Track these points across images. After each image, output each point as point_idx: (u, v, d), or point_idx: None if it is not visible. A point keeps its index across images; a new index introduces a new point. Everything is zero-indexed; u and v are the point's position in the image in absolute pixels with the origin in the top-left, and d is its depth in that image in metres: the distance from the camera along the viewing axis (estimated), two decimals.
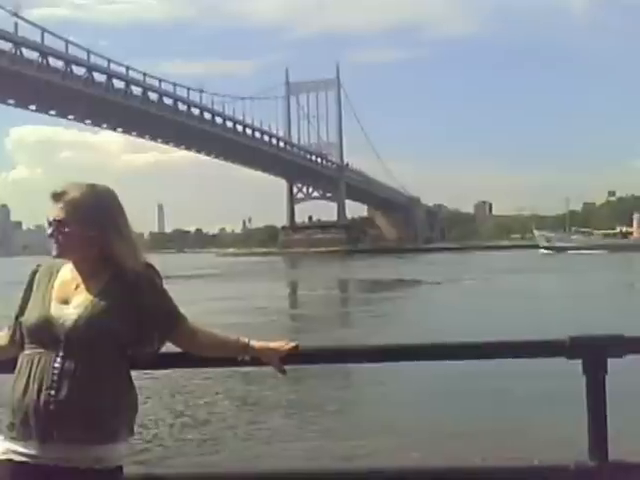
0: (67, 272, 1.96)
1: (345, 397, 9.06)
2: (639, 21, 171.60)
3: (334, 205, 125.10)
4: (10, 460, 1.82)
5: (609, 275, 35.30)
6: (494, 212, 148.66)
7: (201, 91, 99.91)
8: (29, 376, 1.82)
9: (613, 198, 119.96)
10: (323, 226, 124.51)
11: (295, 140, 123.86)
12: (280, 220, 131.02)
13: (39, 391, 1.80)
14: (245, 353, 2.03)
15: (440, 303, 22.04)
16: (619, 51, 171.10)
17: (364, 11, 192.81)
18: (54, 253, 1.93)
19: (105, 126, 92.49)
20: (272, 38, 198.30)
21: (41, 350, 1.84)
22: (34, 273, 2.00)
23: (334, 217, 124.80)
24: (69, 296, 1.90)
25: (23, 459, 1.81)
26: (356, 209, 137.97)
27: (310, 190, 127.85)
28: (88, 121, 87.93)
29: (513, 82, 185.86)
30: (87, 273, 1.93)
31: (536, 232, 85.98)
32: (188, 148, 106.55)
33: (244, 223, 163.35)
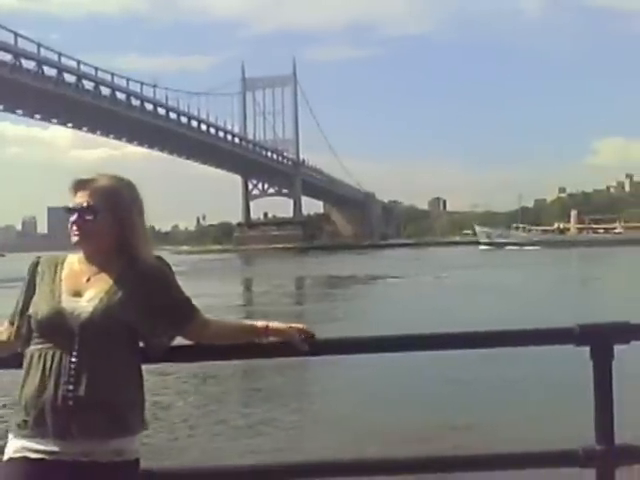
0: (74, 264, 1.90)
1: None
2: (592, 23, 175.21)
3: (290, 202, 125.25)
4: (25, 458, 1.75)
5: (549, 270, 36.50)
6: (449, 208, 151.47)
7: (155, 86, 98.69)
8: (43, 372, 1.75)
9: (563, 194, 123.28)
10: (279, 223, 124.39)
11: (251, 136, 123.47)
12: (235, 217, 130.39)
13: (56, 387, 1.73)
14: (266, 335, 2.00)
15: (395, 299, 22.21)
16: (571, 52, 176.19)
17: (321, 9, 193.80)
18: (75, 240, 1.86)
19: (55, 121, 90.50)
20: (229, 34, 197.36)
21: (53, 344, 1.77)
22: (35, 265, 1.92)
23: (290, 214, 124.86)
24: (81, 289, 1.84)
25: (40, 456, 1.74)
26: (312, 205, 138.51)
27: (266, 186, 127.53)
28: (37, 116, 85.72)
29: (468, 82, 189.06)
30: (100, 265, 1.87)
31: (477, 228, 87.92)
32: (141, 144, 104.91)
33: (198, 220, 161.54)
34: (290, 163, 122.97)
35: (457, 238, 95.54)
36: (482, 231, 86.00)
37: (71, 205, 1.87)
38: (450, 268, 38.03)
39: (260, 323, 2.01)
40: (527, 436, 5.61)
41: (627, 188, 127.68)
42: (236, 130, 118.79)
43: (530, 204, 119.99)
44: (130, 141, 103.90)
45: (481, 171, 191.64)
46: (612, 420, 2.21)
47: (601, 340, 2.23)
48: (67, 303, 1.81)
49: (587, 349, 2.22)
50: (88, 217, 1.84)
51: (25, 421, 1.76)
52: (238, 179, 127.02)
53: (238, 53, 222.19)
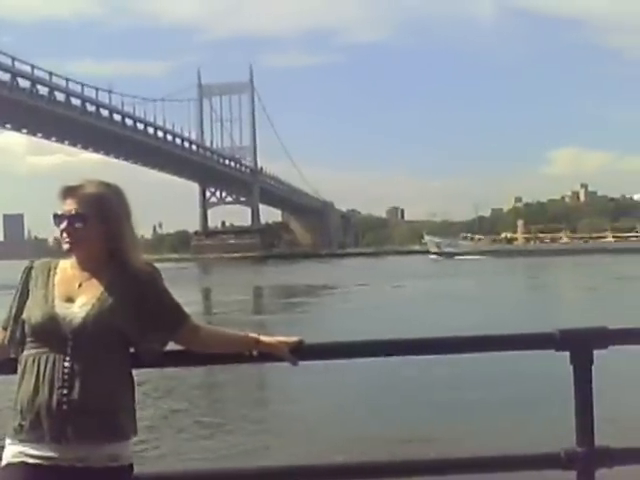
0: (67, 269, 1.92)
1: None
2: (545, 31, 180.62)
3: (248, 210, 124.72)
4: (23, 463, 1.77)
5: (501, 278, 37.34)
6: (407, 217, 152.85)
7: (110, 92, 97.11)
8: (37, 376, 1.79)
9: (519, 204, 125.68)
10: (237, 231, 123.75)
11: (208, 143, 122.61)
12: (192, 225, 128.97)
13: (50, 391, 1.77)
14: (256, 348, 2.04)
15: (355, 308, 22.22)
16: (525, 60, 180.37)
17: (278, 15, 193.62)
18: (66, 247, 1.89)
19: (9, 127, 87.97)
20: (185, 39, 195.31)
21: (47, 349, 1.81)
22: (29, 270, 1.94)
23: (248, 222, 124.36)
24: (73, 294, 1.87)
25: (37, 461, 1.77)
26: (270, 214, 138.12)
27: (223, 194, 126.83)
28: None
29: (425, 89, 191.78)
30: (91, 270, 1.90)
31: (427, 238, 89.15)
32: (96, 150, 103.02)
33: (154, 228, 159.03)
34: (248, 171, 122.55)
35: (416, 247, 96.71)
36: (431, 241, 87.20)
37: (60, 212, 1.89)
38: (408, 277, 38.51)
39: (251, 336, 2.04)
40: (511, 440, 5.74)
41: (582, 198, 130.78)
42: (193, 137, 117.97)
43: (487, 213, 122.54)
44: (86, 147, 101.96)
45: (438, 180, 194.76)
46: (592, 423, 2.26)
47: (581, 345, 2.28)
48: (60, 309, 1.84)
49: (567, 354, 2.26)
50: (78, 224, 1.87)
51: (21, 425, 1.79)
52: (195, 187, 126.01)
53: (195, 59, 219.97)
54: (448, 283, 33.29)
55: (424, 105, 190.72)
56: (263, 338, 2.04)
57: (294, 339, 2.06)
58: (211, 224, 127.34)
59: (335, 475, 2.41)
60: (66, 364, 1.78)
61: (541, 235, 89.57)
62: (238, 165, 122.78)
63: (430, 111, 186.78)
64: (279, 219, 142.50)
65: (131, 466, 1.85)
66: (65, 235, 1.87)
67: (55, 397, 1.75)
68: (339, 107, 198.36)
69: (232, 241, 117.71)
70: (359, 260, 78.53)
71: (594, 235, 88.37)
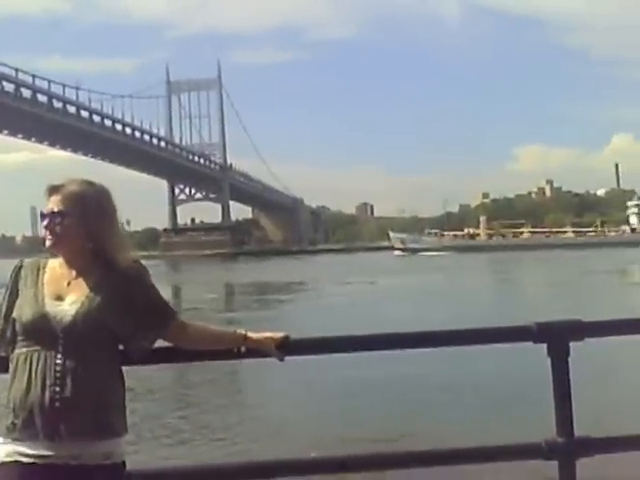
0: (56, 268, 1.95)
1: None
2: (509, 30, 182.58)
3: (218, 207, 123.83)
4: (17, 462, 1.77)
5: (469, 273, 38.12)
6: (376, 214, 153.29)
7: (78, 88, 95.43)
8: (29, 374, 1.80)
9: (487, 200, 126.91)
10: (207, 228, 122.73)
11: (177, 140, 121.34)
12: (161, 223, 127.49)
13: (43, 389, 1.78)
14: (243, 344, 2.07)
15: (328, 305, 22.22)
16: (492, 58, 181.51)
17: (247, 11, 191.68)
18: (48, 244, 1.92)
19: None
20: (154, 36, 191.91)
21: (38, 347, 1.83)
22: (18, 269, 1.96)
23: (218, 219, 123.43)
24: (62, 293, 1.89)
25: (31, 460, 1.77)
26: (240, 211, 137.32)
27: (193, 191, 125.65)
28: None
29: (392, 86, 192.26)
30: (79, 269, 1.92)
31: (391, 234, 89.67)
32: (64, 147, 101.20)
33: (122, 225, 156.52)
34: (217, 167, 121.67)
35: (385, 243, 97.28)
36: (396, 237, 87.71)
37: (44, 210, 1.92)
38: (378, 273, 38.68)
39: (239, 332, 2.07)
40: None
41: (547, 193, 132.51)
42: (162, 133, 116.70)
43: (455, 209, 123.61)
44: (52, 145, 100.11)
45: (407, 176, 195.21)
46: (571, 413, 2.33)
47: (557, 337, 2.34)
48: (50, 307, 1.86)
49: (544, 346, 2.32)
50: (58, 222, 1.90)
51: (14, 424, 1.79)
52: (164, 184, 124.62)
53: (163, 55, 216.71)
54: (418, 279, 33.50)
55: (393, 102, 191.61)
56: (250, 334, 2.07)
57: (280, 335, 2.10)
58: (180, 221, 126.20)
59: (320, 468, 2.45)
60: (58, 361, 1.80)
61: (503, 231, 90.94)
62: (207, 162, 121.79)
63: (398, 108, 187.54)
64: (249, 216, 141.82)
65: (124, 463, 1.87)
66: (47, 232, 1.91)
67: (48, 394, 1.77)
68: (308, 103, 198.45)
69: (202, 238, 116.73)
70: (329, 257, 78.60)
71: (555, 230, 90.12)
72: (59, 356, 1.80)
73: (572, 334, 2.35)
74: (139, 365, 2.00)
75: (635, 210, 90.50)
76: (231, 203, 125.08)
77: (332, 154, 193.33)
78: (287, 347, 2.10)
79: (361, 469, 2.44)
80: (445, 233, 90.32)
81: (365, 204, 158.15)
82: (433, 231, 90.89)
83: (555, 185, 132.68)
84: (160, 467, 2.66)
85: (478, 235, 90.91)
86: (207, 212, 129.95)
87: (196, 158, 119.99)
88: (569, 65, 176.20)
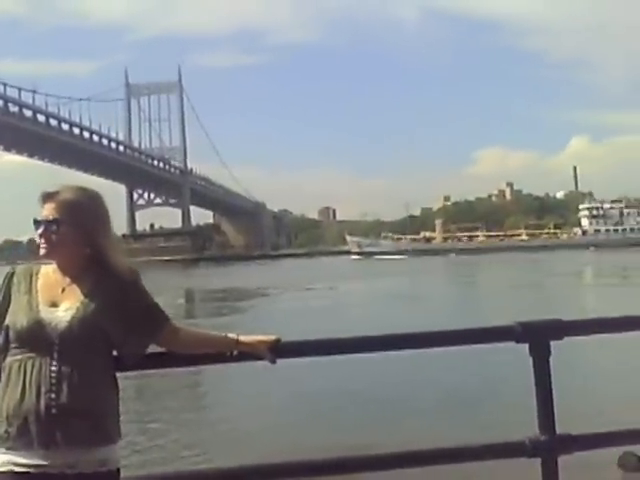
0: (49, 274, 1.95)
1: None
2: (467, 34, 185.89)
3: (178, 212, 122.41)
4: (11, 472, 1.75)
5: (429, 276, 38.72)
6: (339, 217, 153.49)
7: (34, 92, 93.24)
8: (24, 382, 1.79)
9: (448, 203, 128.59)
10: (167, 234, 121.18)
11: (136, 144, 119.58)
12: (120, 228, 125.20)
13: (38, 396, 1.77)
14: (236, 348, 2.09)
15: (292, 311, 22.13)
16: (450, 62, 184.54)
17: (208, 14, 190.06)
18: (42, 253, 1.91)
19: None
20: (113, 38, 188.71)
21: (32, 354, 1.82)
22: (11, 275, 1.96)
23: (178, 224, 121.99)
24: (57, 299, 1.89)
25: (25, 470, 1.75)
26: (201, 215, 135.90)
27: (152, 196, 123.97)
28: None
29: (354, 90, 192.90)
30: (73, 275, 1.93)
31: (348, 238, 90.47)
32: (20, 152, 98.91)
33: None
34: (178, 172, 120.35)
35: (346, 247, 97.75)
36: (353, 241, 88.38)
37: (38, 218, 1.92)
38: (340, 278, 38.83)
39: (231, 336, 2.09)
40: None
41: (508, 196, 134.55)
42: (121, 137, 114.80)
43: (417, 212, 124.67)
44: (7, 149, 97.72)
45: (369, 179, 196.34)
46: (553, 411, 2.37)
47: (538, 337, 2.38)
48: (45, 313, 1.86)
49: (526, 346, 2.36)
50: (53, 230, 1.90)
51: (8, 432, 1.77)
52: (122, 189, 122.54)
53: (123, 58, 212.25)
54: (377, 284, 33.76)
55: (354, 105, 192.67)
56: (243, 338, 2.09)
57: (272, 338, 2.12)
58: (139, 227, 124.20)
59: (306, 472, 2.41)
60: (53, 368, 1.79)
61: (459, 234, 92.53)
62: (167, 166, 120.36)
63: (360, 111, 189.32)
64: (210, 221, 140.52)
65: (118, 470, 1.86)
66: (42, 240, 1.90)
67: (43, 401, 1.75)
68: (271, 107, 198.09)
69: (162, 244, 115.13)
70: (291, 261, 78.55)
71: (509, 233, 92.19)
72: (54, 363, 1.80)
73: (553, 333, 2.39)
74: (132, 371, 2.01)
75: (586, 213, 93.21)
76: (192, 208, 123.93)
77: (295, 158, 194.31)
78: (279, 350, 2.12)
79: (337, 472, 2.41)
80: (402, 237, 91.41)
81: (328, 208, 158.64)
82: (390, 235, 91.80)
83: (515, 188, 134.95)
84: (152, 474, 2.65)
85: (434, 239, 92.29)
86: (167, 217, 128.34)
87: (156, 162, 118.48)
88: (526, 68, 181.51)
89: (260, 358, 2.11)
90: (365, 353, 2.38)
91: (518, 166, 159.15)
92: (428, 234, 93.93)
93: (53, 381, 1.77)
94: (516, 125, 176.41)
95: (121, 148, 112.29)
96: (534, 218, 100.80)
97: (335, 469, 2.42)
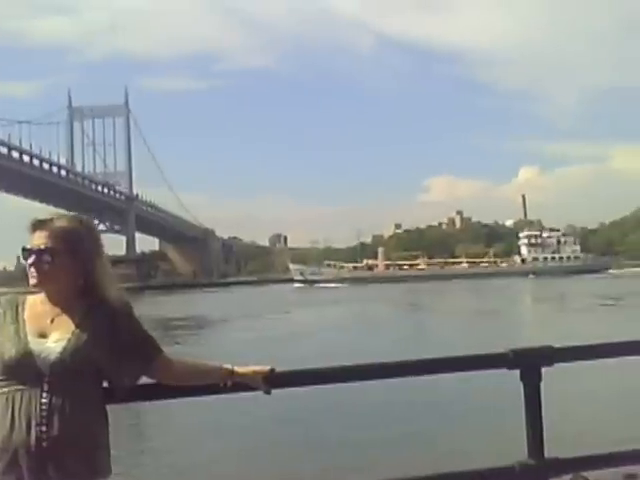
0: (37, 304, 1.89)
1: None
2: (423, 64, 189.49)
3: (123, 239, 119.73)
4: None
5: (377, 305, 38.86)
6: (290, 244, 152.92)
7: None
8: (12, 415, 1.73)
9: (400, 230, 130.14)
10: (110, 261, 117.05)
11: (79, 168, 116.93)
12: None
13: (28, 429, 1.72)
14: (230, 379, 2.05)
15: (239, 340, 21.73)
16: (405, 91, 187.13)
17: (159, 37, 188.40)
18: (33, 282, 1.85)
19: None
20: (56, 59, 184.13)
21: (21, 387, 1.77)
22: None
23: (123, 251, 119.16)
24: (45, 330, 1.84)
25: None
26: (147, 242, 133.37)
27: (95, 223, 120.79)
28: None
29: (306, 117, 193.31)
30: (63, 305, 1.88)
31: (291, 266, 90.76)
32: None
33: (19, 259, 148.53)
34: (123, 198, 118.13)
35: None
36: (295, 269, 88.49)
37: (29, 246, 1.85)
38: (291, 306, 38.76)
39: (225, 367, 2.06)
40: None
41: (458, 224, 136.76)
42: (62, 162, 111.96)
43: (369, 239, 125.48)
44: None
45: (321, 207, 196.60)
46: (542, 435, 2.44)
47: (529, 363, 2.46)
48: (34, 344, 1.81)
49: (517, 372, 2.44)
50: (46, 259, 1.84)
51: None
52: None
53: (66, 80, 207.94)
54: (329, 311, 33.74)
55: (307, 132, 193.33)
56: (237, 369, 2.07)
57: (266, 368, 2.10)
58: None
59: None
60: (44, 400, 1.74)
61: (400, 262, 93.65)
62: (112, 191, 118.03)
63: (313, 138, 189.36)
64: (156, 248, 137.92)
65: None
66: (33, 270, 1.85)
67: (34, 434, 1.71)
68: (222, 133, 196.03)
69: None
70: (241, 289, 77.85)
71: (450, 261, 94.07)
72: (44, 395, 1.75)
73: (544, 360, 2.46)
74: (123, 403, 1.97)
75: (525, 241, 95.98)
76: (137, 235, 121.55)
77: (246, 184, 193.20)
78: (273, 380, 2.11)
79: None
80: (344, 265, 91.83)
81: (279, 235, 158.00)
82: (332, 263, 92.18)
83: (466, 215, 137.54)
84: None
85: (376, 266, 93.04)
86: (111, 244, 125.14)
87: (99, 187, 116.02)
88: (479, 98, 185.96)
89: (254, 389, 2.08)
90: (359, 381, 2.40)
91: (469, 194, 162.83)
92: (370, 262, 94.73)
93: (44, 413, 1.73)
94: (467, 154, 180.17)
95: (63, 172, 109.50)
96: (483, 246, 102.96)
97: None
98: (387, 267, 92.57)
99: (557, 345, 2.50)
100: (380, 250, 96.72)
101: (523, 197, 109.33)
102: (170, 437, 8.93)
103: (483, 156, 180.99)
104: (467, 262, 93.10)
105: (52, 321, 1.85)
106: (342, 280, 78.44)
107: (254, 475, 6.66)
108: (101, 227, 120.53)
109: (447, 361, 2.55)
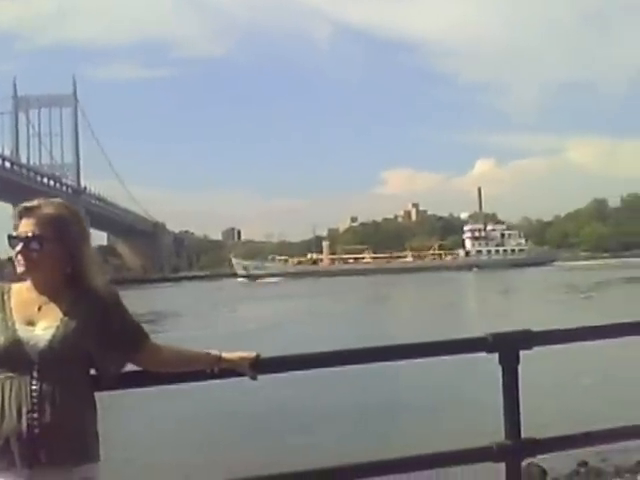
0: (23, 292, 1.89)
1: None
2: (378, 55, 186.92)
3: None
4: None
5: (332, 298, 39.29)
6: (244, 238, 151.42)
7: None
8: (3, 402, 1.75)
9: (355, 224, 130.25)
10: None
11: (24, 160, 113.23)
12: (5, 251, 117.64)
13: (19, 416, 1.74)
14: (218, 365, 2.08)
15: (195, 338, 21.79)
16: (362, 82, 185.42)
17: (109, 25, 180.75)
18: (21, 270, 1.86)
19: None
20: (3, 47, 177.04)
21: (11, 374, 1.78)
22: None
23: None
24: (33, 318, 1.85)
25: None
26: (95, 237, 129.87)
27: None
28: None
29: (261, 108, 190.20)
30: (50, 293, 1.88)
31: (234, 260, 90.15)
32: None
33: None
34: (70, 190, 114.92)
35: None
36: (239, 263, 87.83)
37: (15, 233, 1.85)
38: (240, 301, 38.50)
39: (213, 353, 2.09)
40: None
41: (413, 217, 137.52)
42: (7, 153, 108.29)
43: (323, 233, 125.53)
44: None
45: (276, 200, 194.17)
46: (519, 417, 2.49)
47: (508, 347, 2.50)
48: (22, 332, 1.81)
49: (496, 355, 2.47)
50: (34, 247, 1.84)
51: None
52: (8, 207, 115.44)
53: (11, 68, 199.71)
54: (279, 304, 33.79)
55: (256, 124, 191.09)
56: (225, 355, 2.09)
57: (253, 354, 2.13)
58: None
59: None
60: (34, 387, 1.76)
61: (345, 256, 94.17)
62: (58, 184, 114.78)
63: (268, 129, 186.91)
64: (105, 242, 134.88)
65: None
66: (20, 257, 1.84)
67: (25, 421, 1.72)
68: (173, 123, 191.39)
69: None
70: (192, 284, 76.88)
71: (395, 255, 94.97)
72: (34, 382, 1.76)
73: (522, 343, 2.51)
74: (110, 390, 1.98)
75: (469, 235, 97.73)
76: None
77: (199, 177, 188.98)
78: (259, 366, 2.13)
79: None
80: (289, 259, 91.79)
81: (232, 229, 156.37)
82: (277, 257, 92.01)
83: (422, 208, 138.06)
84: None
85: (321, 260, 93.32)
86: None
87: (45, 180, 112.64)
88: (437, 90, 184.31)
89: (241, 374, 2.11)
90: (345, 366, 2.43)
91: (425, 187, 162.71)
92: (315, 256, 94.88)
93: (34, 400, 1.74)
94: (426, 146, 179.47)
95: (7, 164, 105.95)
96: (437, 239, 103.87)
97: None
98: (332, 261, 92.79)
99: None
100: (325, 244, 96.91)
101: (479, 190, 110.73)
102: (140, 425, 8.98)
103: (441, 149, 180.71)
104: (412, 256, 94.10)
105: (40, 309, 1.85)
106: (287, 274, 78.33)
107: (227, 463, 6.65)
108: None
109: (428, 345, 2.59)
